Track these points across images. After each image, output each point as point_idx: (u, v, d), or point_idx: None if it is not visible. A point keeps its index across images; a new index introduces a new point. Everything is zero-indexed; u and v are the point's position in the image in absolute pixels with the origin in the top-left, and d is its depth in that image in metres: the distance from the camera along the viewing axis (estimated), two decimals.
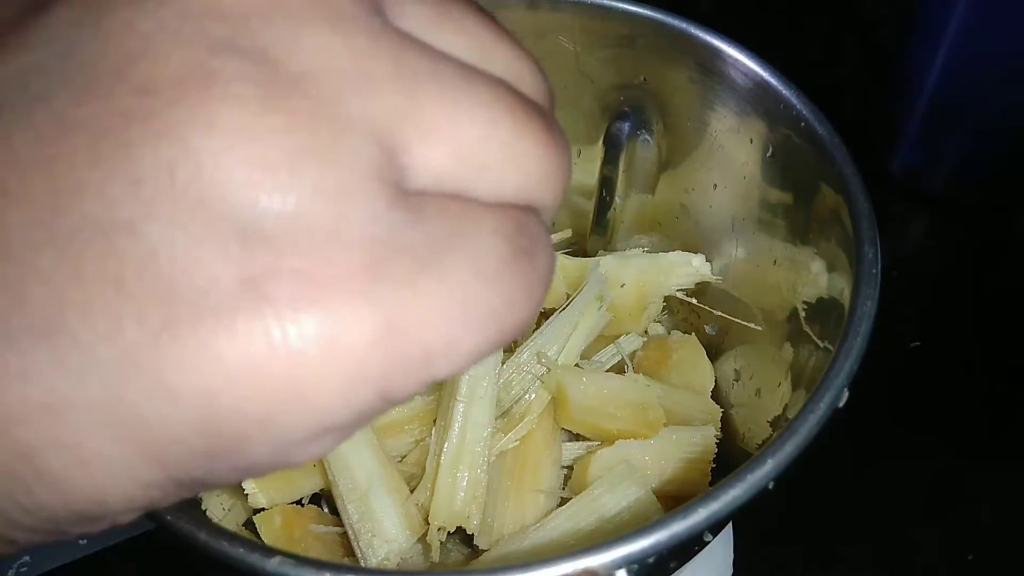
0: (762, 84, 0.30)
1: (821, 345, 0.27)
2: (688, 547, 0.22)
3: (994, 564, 0.36)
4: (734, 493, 0.21)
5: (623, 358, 0.35)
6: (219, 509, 0.30)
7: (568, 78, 0.36)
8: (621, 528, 0.28)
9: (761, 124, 0.31)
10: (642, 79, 0.34)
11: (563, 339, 0.34)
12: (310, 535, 0.31)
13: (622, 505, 0.29)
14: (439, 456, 0.31)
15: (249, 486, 0.32)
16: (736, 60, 0.30)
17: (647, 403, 0.32)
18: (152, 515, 0.21)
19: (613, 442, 0.31)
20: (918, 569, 0.36)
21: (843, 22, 0.57)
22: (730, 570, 0.33)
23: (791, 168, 0.30)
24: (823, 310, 0.28)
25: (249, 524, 0.32)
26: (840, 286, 0.26)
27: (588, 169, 0.38)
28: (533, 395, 0.33)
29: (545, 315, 0.35)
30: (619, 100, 0.36)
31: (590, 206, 0.39)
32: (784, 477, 0.21)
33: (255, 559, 0.20)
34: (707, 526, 0.21)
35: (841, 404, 0.22)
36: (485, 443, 0.31)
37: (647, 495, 0.29)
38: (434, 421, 0.32)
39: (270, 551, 0.20)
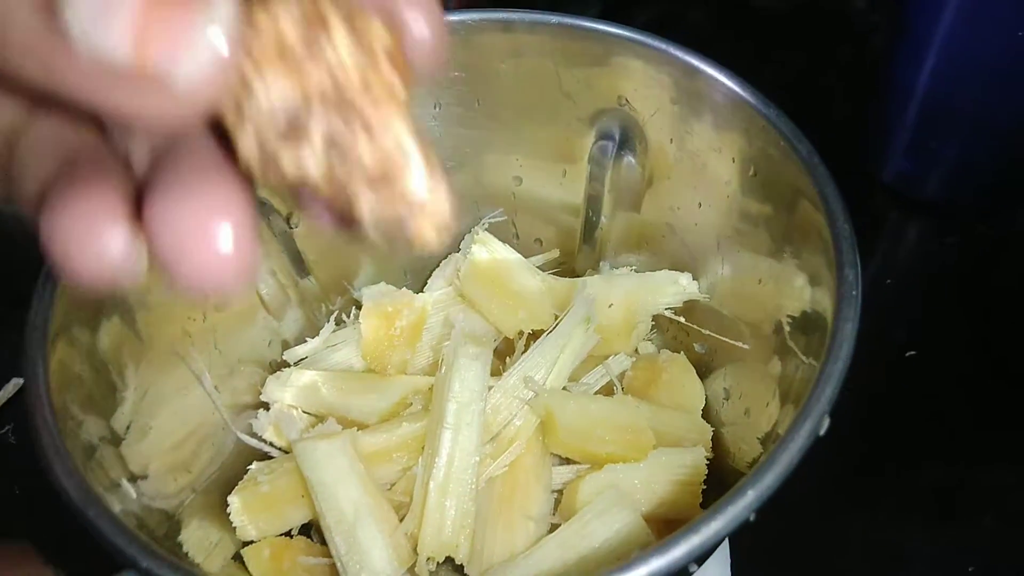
0: (741, 104, 0.30)
1: (806, 361, 0.27)
2: None
3: (996, 571, 0.36)
4: (715, 526, 0.20)
5: (612, 379, 0.35)
6: (204, 544, 0.30)
7: (550, 98, 0.35)
8: (611, 555, 0.28)
9: (742, 143, 0.30)
10: (623, 99, 0.34)
11: (551, 362, 0.33)
12: (299, 567, 0.31)
13: (612, 531, 0.29)
14: (427, 484, 0.30)
15: (238, 518, 0.32)
16: (715, 80, 0.30)
17: (636, 426, 0.32)
18: (134, 563, 0.21)
19: (603, 466, 0.31)
20: None
21: (834, 30, 0.57)
22: None
23: (773, 186, 0.30)
24: (807, 324, 0.28)
25: (238, 557, 0.31)
26: (823, 300, 0.26)
27: (574, 188, 0.38)
28: (521, 420, 0.32)
29: (533, 337, 0.35)
30: (601, 119, 0.35)
31: (577, 225, 0.39)
32: (767, 505, 0.21)
33: None
34: (688, 560, 0.20)
35: (822, 432, 0.22)
36: (473, 470, 0.31)
37: (637, 521, 0.29)
38: (422, 448, 0.32)
39: None
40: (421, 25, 0.15)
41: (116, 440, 0.27)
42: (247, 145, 0.13)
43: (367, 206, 0.13)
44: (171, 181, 0.13)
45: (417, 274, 0.40)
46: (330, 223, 0.15)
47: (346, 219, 0.14)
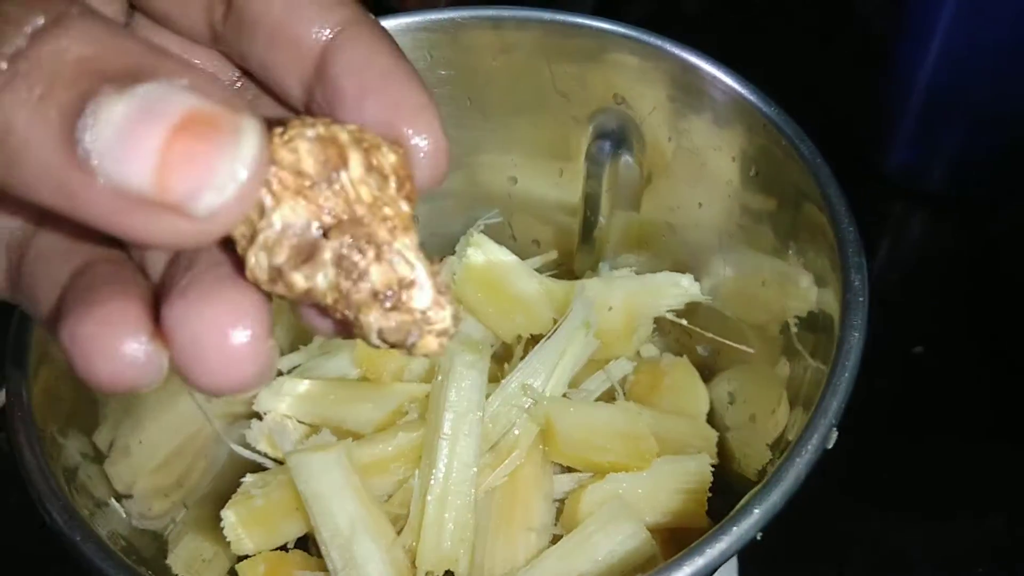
0: (741, 101, 0.29)
1: (813, 364, 0.26)
2: None
3: (1007, 573, 0.35)
4: (720, 547, 0.20)
5: (613, 384, 0.34)
6: (196, 560, 0.29)
7: (544, 96, 0.35)
8: (615, 567, 0.28)
9: (743, 142, 0.30)
10: (619, 97, 0.33)
11: (550, 368, 0.33)
12: None
13: (616, 543, 0.28)
14: (424, 497, 0.30)
15: (232, 533, 0.31)
16: (713, 77, 0.29)
17: (639, 433, 0.31)
18: None
19: (605, 475, 0.30)
20: None
21: (836, 18, 0.56)
22: None
23: (775, 185, 0.29)
24: (814, 325, 0.27)
25: (233, 573, 0.31)
26: (829, 301, 0.25)
27: (571, 187, 0.37)
28: (521, 428, 0.32)
29: (532, 341, 0.34)
30: (598, 117, 0.34)
31: (575, 225, 0.38)
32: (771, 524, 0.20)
33: None
34: None
35: (830, 445, 0.21)
36: (472, 481, 0.30)
37: (640, 532, 0.28)
38: (419, 459, 0.32)
39: None
40: (424, 141, 0.15)
41: (99, 458, 0.26)
42: (256, 262, 0.13)
43: (372, 320, 0.14)
44: (187, 287, 0.14)
45: None
46: (329, 329, 0.15)
47: (347, 326, 0.14)
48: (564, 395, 0.33)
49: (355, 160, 0.14)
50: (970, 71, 0.42)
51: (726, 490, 0.31)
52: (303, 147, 0.13)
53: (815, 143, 0.27)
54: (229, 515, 0.31)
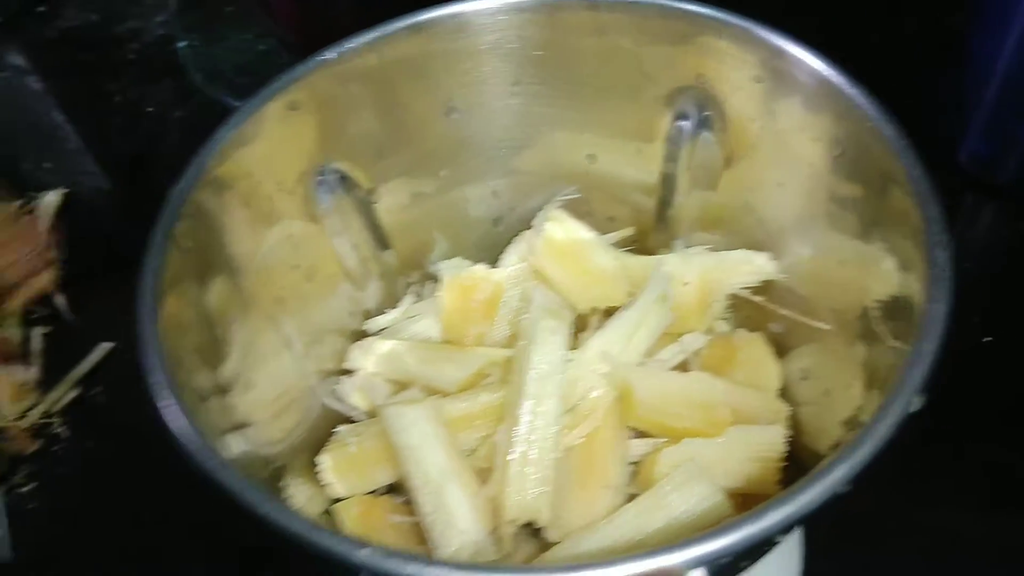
0: (827, 84, 0.30)
1: (894, 345, 0.27)
2: (759, 548, 0.23)
3: None
4: (807, 497, 0.21)
5: (687, 357, 0.35)
6: (301, 497, 0.32)
7: (629, 76, 0.36)
8: (689, 526, 0.29)
9: (827, 124, 0.30)
10: (703, 77, 0.34)
11: (627, 337, 0.34)
12: (386, 524, 0.32)
13: (690, 503, 0.30)
14: (508, 452, 0.32)
15: (327, 477, 0.33)
16: (800, 60, 0.30)
17: (712, 402, 0.32)
18: (243, 504, 0.23)
19: (680, 440, 0.32)
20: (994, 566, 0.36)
21: (910, 6, 0.56)
22: (800, 567, 0.34)
23: (858, 168, 0.30)
24: (895, 309, 0.28)
25: (327, 514, 0.33)
26: (912, 284, 0.26)
27: (648, 166, 0.38)
28: (598, 393, 0.33)
29: (606, 314, 0.36)
30: (680, 98, 0.36)
31: (651, 203, 0.39)
32: (856, 481, 0.22)
33: (344, 549, 0.21)
34: (779, 529, 0.21)
35: (914, 410, 0.22)
36: (553, 439, 0.32)
37: (716, 494, 0.30)
38: (501, 418, 0.33)
39: (359, 542, 0.21)
40: None
41: (222, 391, 0.29)
42: None
43: None
44: None
45: (490, 251, 0.41)
46: None
47: None
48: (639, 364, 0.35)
49: None
50: None
51: (796, 465, 0.32)
52: None
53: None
54: (325, 460, 0.33)
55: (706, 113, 0.35)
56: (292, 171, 0.34)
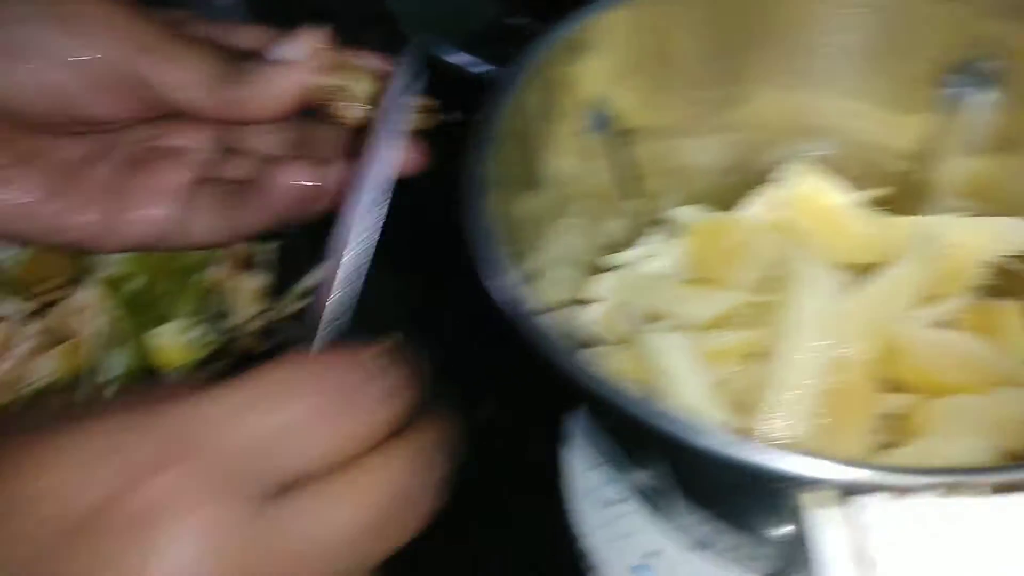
0: None
1: None
2: None
3: None
4: None
5: (946, 320, 0.35)
6: None
7: (900, 38, 0.36)
8: None
9: None
10: (983, 42, 0.34)
11: (891, 295, 0.34)
12: None
13: (959, 455, 0.30)
14: (768, 389, 0.32)
15: None
16: None
17: (977, 361, 0.32)
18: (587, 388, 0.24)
19: (944, 396, 0.32)
20: None
21: None
22: None
23: None
24: None
25: None
26: None
27: (907, 130, 0.38)
28: (861, 344, 0.33)
29: (868, 270, 0.36)
30: (954, 63, 0.35)
31: (906, 166, 0.39)
32: None
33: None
34: None
35: None
36: (813, 384, 0.32)
37: (987, 447, 0.30)
38: (753, 356, 0.34)
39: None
40: None
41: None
42: None
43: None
44: None
45: (727, 202, 0.42)
46: None
47: None
48: None
49: None
50: None
51: None
52: None
53: None
54: None
55: (981, 79, 0.35)
56: (574, 100, 0.35)
